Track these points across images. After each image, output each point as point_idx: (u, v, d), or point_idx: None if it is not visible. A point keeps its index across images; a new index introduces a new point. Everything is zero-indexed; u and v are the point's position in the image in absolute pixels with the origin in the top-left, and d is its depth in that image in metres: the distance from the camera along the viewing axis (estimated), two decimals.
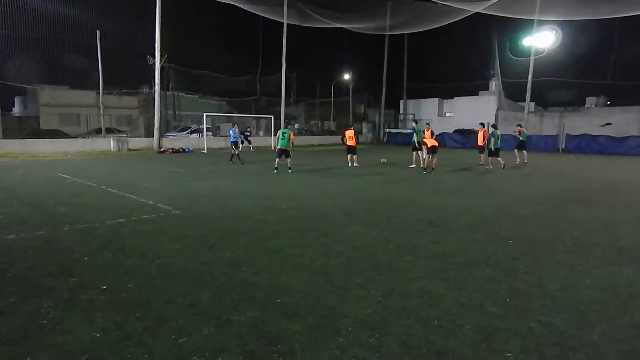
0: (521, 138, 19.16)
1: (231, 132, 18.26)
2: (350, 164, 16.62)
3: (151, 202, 8.61)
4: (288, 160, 13.84)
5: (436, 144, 14.89)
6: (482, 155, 17.46)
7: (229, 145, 28.40)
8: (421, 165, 15.35)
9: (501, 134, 17.39)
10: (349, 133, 16.93)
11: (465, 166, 17.24)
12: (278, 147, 13.84)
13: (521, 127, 19.69)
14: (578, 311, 3.85)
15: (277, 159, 13.87)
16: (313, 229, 6.51)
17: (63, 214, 7.37)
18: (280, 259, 5.06)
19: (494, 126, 17.70)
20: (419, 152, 15.84)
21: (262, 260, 5.00)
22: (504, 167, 16.17)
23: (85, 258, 5.03)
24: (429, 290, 4.23)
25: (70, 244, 5.59)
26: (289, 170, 13.74)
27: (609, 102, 41.84)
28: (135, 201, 8.70)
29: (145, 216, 7.28)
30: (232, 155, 17.80)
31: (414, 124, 17.70)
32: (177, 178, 12.74)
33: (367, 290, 4.19)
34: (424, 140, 15.02)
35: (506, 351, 3.18)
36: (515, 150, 19.24)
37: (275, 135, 13.81)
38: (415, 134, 16.44)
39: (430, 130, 17.75)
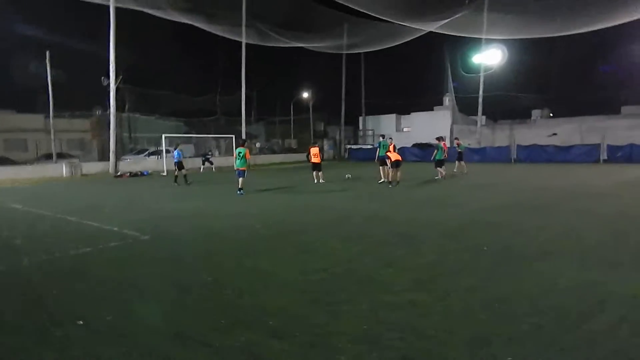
0: (459, 150, 20.34)
1: (175, 153, 18.01)
2: (316, 181, 16.67)
3: (116, 228, 8.21)
4: (240, 180, 13.18)
5: (400, 158, 15.24)
6: (440, 169, 17.99)
7: (187, 166, 27.92)
8: (384, 180, 15.63)
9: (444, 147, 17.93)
10: (314, 150, 17.03)
11: (428, 179, 17.71)
12: (237, 168, 13.31)
13: (458, 140, 20.96)
14: (561, 313, 4.00)
15: (240, 179, 13.31)
16: (290, 246, 6.43)
17: (19, 246, 6.87)
18: (262, 278, 4.94)
19: (382, 136, 18.38)
20: (386, 166, 16.15)
21: (243, 281, 4.86)
22: (444, 178, 17.23)
23: (54, 291, 4.69)
24: (417, 301, 4.25)
25: (33, 278, 5.21)
26: (238, 192, 13.02)
27: (551, 114, 44.72)
28: (98, 228, 8.27)
29: (112, 244, 6.92)
30: (176, 176, 17.52)
31: (380, 138, 17.91)
32: (139, 201, 12.27)
33: (356, 305, 4.16)
34: (388, 154, 15.33)
35: (507, 356, 3.24)
36: (456, 162, 20.52)
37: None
38: (379, 148, 16.80)
39: (393, 145, 18.20)
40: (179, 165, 17.42)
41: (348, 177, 18.43)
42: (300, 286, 4.69)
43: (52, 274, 5.30)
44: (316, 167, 16.77)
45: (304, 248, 6.32)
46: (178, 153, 17.73)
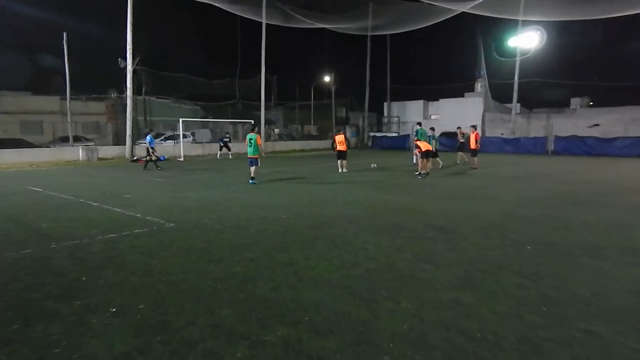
0: (462, 140, 20.26)
1: (148, 137, 18.84)
2: (340, 170, 16.68)
3: (139, 215, 8.39)
4: (252, 168, 13.02)
5: (430, 147, 15.08)
6: (475, 158, 17.82)
7: (204, 151, 28.17)
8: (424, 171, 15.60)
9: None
10: (340, 138, 17.00)
11: (458, 170, 17.51)
12: (249, 156, 13.12)
13: (461, 129, 20.98)
14: (616, 317, 3.92)
15: (252, 168, 13.18)
16: (321, 239, 6.46)
17: (47, 230, 7.10)
18: (296, 272, 4.98)
19: (432, 129, 18.82)
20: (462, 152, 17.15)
21: (276, 274, 4.91)
22: (441, 167, 17.71)
23: (83, 278, 4.83)
24: (461, 300, 4.23)
25: (64, 262, 5.37)
26: (250, 181, 12.97)
27: (591, 103, 43.43)
28: (122, 214, 8.47)
29: (137, 230, 7.07)
30: (147, 161, 18.43)
31: (417, 126, 18.29)
32: (159, 188, 12.49)
33: (397, 303, 4.16)
34: (418, 143, 15.19)
35: None
36: (459, 153, 20.54)
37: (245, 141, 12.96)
38: (431, 140, 17.27)
39: (476, 134, 18.37)
40: (149, 150, 18.41)
41: (374, 167, 18.35)
42: (337, 281, 4.71)
43: (82, 260, 5.46)
44: (341, 155, 16.75)
45: (337, 242, 6.34)
46: (150, 138, 18.71)
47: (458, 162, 19.90)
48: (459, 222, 7.70)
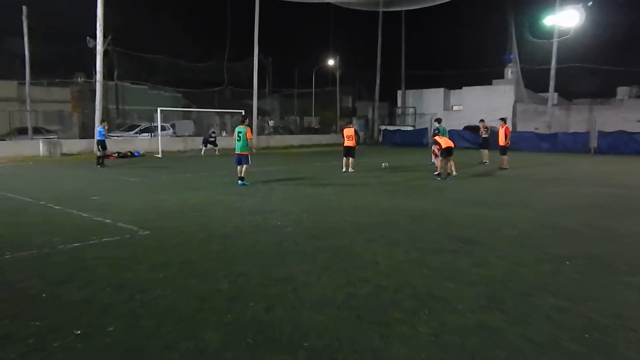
0: (485, 135, 20.40)
1: (99, 130, 19.12)
2: (345, 169, 16.70)
3: (109, 220, 8.39)
4: (243, 167, 13.13)
5: (451, 144, 15.07)
6: (504, 157, 17.82)
7: (186, 146, 28.18)
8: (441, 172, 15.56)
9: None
10: (349, 131, 17.04)
11: (484, 170, 17.50)
12: (235, 152, 13.15)
13: (484, 122, 20.78)
14: None
15: (238, 167, 13.21)
16: (324, 251, 6.45)
17: (1, 237, 7.10)
18: (294, 290, 4.97)
19: (438, 120, 18.58)
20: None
21: (270, 292, 4.90)
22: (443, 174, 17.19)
23: (43, 294, 4.82)
24: (488, 324, 4.21)
25: (21, 276, 5.36)
26: (239, 182, 13.07)
27: None
28: (89, 220, 8.48)
29: (107, 239, 7.07)
30: (99, 157, 18.66)
31: (436, 123, 18.16)
32: (132, 189, 12.51)
33: (413, 327, 4.14)
34: (437, 139, 15.17)
35: None
36: (482, 150, 20.58)
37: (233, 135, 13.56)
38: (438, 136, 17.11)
39: (506, 127, 18.40)
40: (102, 145, 18.69)
41: (385, 167, 18.35)
42: (343, 301, 4.69)
43: (41, 273, 5.45)
44: (349, 152, 16.83)
45: (342, 254, 6.33)
46: (100, 131, 18.93)
47: (485, 161, 19.86)
48: (485, 232, 7.69)
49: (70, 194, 11.43)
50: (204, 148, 25.81)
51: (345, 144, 16.83)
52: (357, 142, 17.23)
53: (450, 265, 5.90)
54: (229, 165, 15.18)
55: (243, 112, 28.45)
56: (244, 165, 13.18)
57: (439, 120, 18.66)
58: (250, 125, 13.73)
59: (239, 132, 13.12)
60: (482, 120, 21.15)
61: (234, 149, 13.30)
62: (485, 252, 6.47)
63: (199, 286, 5.07)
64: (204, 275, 5.43)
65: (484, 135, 20.48)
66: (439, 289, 5.06)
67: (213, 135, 26.64)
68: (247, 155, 13.18)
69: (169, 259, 6.04)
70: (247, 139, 13.07)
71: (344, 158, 16.84)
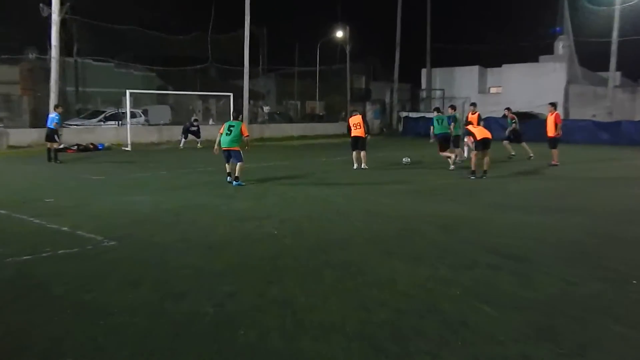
0: (514, 127, 20.38)
1: (53, 117, 18.87)
2: (356, 165, 16.73)
3: (66, 228, 8.42)
4: (237, 165, 13.36)
5: (489, 135, 15.04)
6: (554, 151, 17.78)
7: (161, 137, 28.23)
8: (455, 160, 15.54)
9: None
10: (354, 119, 17.18)
11: (528, 167, 17.47)
12: (223, 147, 13.36)
13: (510, 110, 21.07)
14: None
15: (237, 165, 13.34)
16: (331, 267, 6.45)
17: None
18: (294, 314, 4.96)
19: (453, 107, 19.35)
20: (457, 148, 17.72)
21: (265, 317, 4.89)
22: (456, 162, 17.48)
23: None
24: (534, 357, 4.18)
25: None
26: (234, 182, 13.27)
27: None
28: (42, 227, 8.51)
29: (64, 250, 7.09)
30: (50, 150, 18.46)
31: (435, 112, 18.64)
32: (96, 190, 12.58)
33: None
34: (471, 129, 15.15)
35: None
36: (505, 142, 20.55)
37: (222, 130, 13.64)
38: (451, 124, 17.89)
39: (477, 114, 18.22)
40: (50, 135, 18.50)
41: (407, 162, 18.34)
42: (354, 328, 4.67)
43: None
44: (357, 144, 16.91)
45: (353, 271, 6.32)
46: (53, 119, 18.69)
47: (531, 156, 19.67)
48: (530, 243, 7.66)
49: (20, 196, 11.46)
50: (183, 139, 25.87)
51: (352, 134, 16.91)
52: (368, 132, 17.34)
53: (486, 284, 5.87)
54: (214, 160, 15.20)
55: (231, 95, 28.62)
56: (238, 163, 13.23)
57: (474, 104, 18.66)
58: (239, 116, 13.92)
59: (231, 127, 13.24)
60: (507, 109, 21.29)
61: (217, 144, 13.39)
62: (529, 268, 6.45)
63: (177, 310, 5.06)
64: (182, 296, 5.42)
65: (512, 127, 20.25)
66: (473, 313, 5.03)
67: (195, 124, 26.67)
68: (239, 151, 13.28)
69: (140, 276, 6.04)
70: (241, 134, 13.20)
71: (354, 152, 16.91)
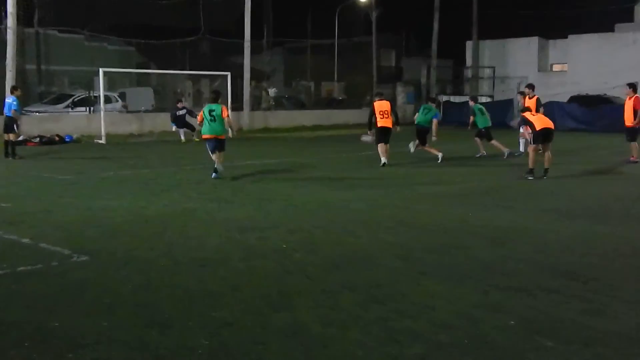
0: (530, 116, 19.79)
1: (10, 102, 18.90)
2: (383, 161, 16.85)
3: (27, 240, 8.49)
4: (216, 155, 14.57)
5: (551, 124, 14.96)
6: (634, 144, 17.65)
7: (142, 127, 28.30)
8: (505, 153, 15.45)
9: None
10: (383, 105, 17.29)
11: (601, 165, 17.36)
12: (208, 136, 14.63)
13: (529, 90, 19.93)
14: None
15: (213, 155, 14.52)
16: (351, 289, 6.44)
17: None
18: (306, 349, 4.96)
19: (474, 98, 20.65)
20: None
21: (270, 351, 4.90)
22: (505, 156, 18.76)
23: None
24: None
25: None
26: (214, 174, 14.36)
27: None
28: None
29: (23, 267, 7.13)
30: (9, 143, 18.59)
31: (471, 102, 20.40)
32: (62, 192, 12.67)
33: None
34: (528, 116, 15.07)
35: None
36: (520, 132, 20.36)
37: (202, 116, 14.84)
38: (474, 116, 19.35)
39: (536, 98, 18.11)
40: (9, 125, 18.53)
41: (414, 149, 18.33)
42: None
43: None
44: (385, 135, 17.04)
45: (378, 294, 6.31)
46: (10, 105, 18.76)
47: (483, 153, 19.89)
48: (602, 261, 7.63)
49: None
50: (180, 130, 25.20)
51: (380, 124, 16.96)
52: (398, 122, 17.62)
53: (547, 312, 5.83)
54: (205, 155, 15.32)
55: (228, 74, 28.67)
56: (217, 153, 14.43)
57: (531, 86, 18.61)
58: (219, 97, 15.34)
59: (212, 111, 14.33)
60: (521, 92, 20.69)
61: (201, 132, 14.70)
62: (601, 292, 6.39)
63: (163, 341, 5.07)
64: (169, 324, 5.44)
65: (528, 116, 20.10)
66: (532, 349, 5.00)
67: (182, 107, 26.09)
68: (224, 140, 14.77)
69: (117, 299, 6.06)
70: (222, 118, 14.37)
71: (379, 145, 16.98)
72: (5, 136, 18.83)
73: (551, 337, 5.25)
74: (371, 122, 17.14)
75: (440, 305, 5.98)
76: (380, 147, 16.95)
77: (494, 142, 19.49)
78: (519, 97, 19.32)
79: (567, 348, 5.05)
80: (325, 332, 5.32)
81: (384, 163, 16.73)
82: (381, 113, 16.99)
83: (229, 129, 15.50)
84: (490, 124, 19.88)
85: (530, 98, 18.41)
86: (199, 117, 14.98)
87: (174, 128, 25.84)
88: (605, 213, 10.72)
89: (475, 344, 5.11)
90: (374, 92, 18.34)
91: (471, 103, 21.20)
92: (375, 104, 17.61)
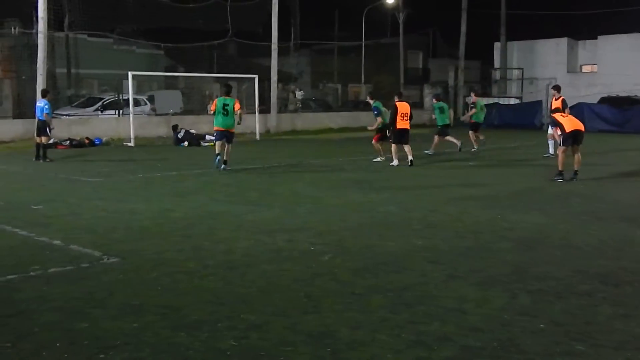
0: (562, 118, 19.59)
1: (42, 105, 19.04)
2: (410, 157, 17.17)
3: (57, 241, 8.57)
4: (229, 147, 16.17)
5: (581, 126, 14.83)
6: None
7: (170, 130, 28.49)
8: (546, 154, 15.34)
9: None
10: (405, 107, 17.52)
11: (632, 166, 17.24)
12: (220, 128, 16.11)
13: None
14: None
15: (218, 143, 16.16)
16: (381, 292, 6.43)
17: None
18: (334, 353, 4.94)
19: (437, 96, 21.97)
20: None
21: (298, 354, 4.89)
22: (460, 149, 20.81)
23: None
24: None
25: None
26: (222, 166, 16.01)
27: None
28: (28, 240, 8.70)
29: (54, 269, 7.21)
30: (39, 145, 18.78)
31: (434, 100, 21.74)
32: (91, 195, 12.80)
33: None
34: (559, 118, 14.95)
35: None
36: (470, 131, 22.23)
37: (214, 108, 16.33)
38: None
39: (561, 99, 18.06)
40: (42, 128, 18.73)
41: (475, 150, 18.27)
42: None
43: None
44: (403, 136, 17.33)
45: (408, 298, 6.31)
46: (42, 108, 18.93)
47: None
48: (635, 265, 7.56)
49: (1, 202, 11.72)
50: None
51: (400, 125, 17.22)
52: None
53: (580, 316, 5.79)
54: (236, 156, 15.52)
55: (256, 77, 28.76)
56: (228, 144, 16.11)
57: (557, 88, 18.58)
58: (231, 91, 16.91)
59: (226, 105, 15.72)
60: (555, 87, 20.28)
61: (214, 124, 16.21)
62: (634, 296, 6.37)
63: (191, 343, 5.09)
64: (197, 326, 5.46)
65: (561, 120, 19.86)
66: (563, 353, 4.95)
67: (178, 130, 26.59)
68: (233, 133, 16.41)
69: (147, 301, 6.10)
70: (234, 111, 15.91)
71: (396, 146, 17.32)
72: (37, 139, 18.98)
73: (582, 341, 5.20)
74: (392, 122, 17.38)
75: (469, 309, 5.97)
76: (396, 147, 17.29)
77: (448, 137, 21.09)
78: (553, 91, 19.11)
79: (598, 352, 5.00)
80: (354, 335, 5.31)
81: (406, 162, 17.07)
82: (402, 115, 17.30)
83: (239, 119, 16.47)
84: (448, 122, 21.99)
85: (556, 100, 18.29)
86: (212, 107, 16.19)
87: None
88: (637, 216, 10.60)
89: (505, 347, 5.07)
90: (397, 93, 18.60)
91: (433, 101, 22.87)
92: (397, 104, 17.70)
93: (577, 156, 14.78)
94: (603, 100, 34.63)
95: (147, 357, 4.84)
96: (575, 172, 14.61)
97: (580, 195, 12.73)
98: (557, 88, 18.78)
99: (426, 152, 19.95)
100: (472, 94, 24.52)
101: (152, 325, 5.51)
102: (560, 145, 14.98)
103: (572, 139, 14.51)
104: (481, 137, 22.45)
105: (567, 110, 17.57)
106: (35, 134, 19.10)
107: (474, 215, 10.65)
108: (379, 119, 18.39)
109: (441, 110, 21.54)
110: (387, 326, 5.51)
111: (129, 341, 5.14)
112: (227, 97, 16.25)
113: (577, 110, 27.31)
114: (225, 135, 16.10)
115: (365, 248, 8.32)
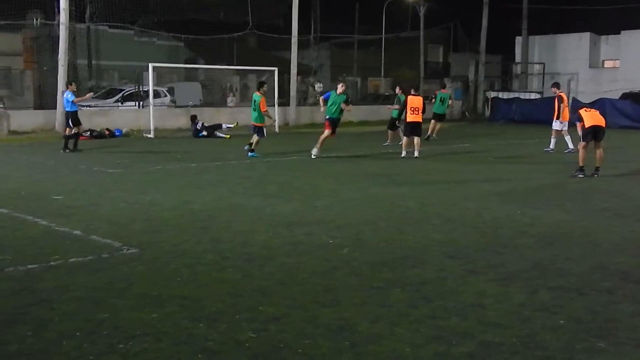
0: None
1: (69, 97, 18.99)
2: (405, 154, 17.78)
3: (78, 231, 8.65)
4: (253, 137, 17.68)
5: (602, 122, 14.71)
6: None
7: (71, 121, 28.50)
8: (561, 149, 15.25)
9: None
10: (416, 101, 17.81)
11: None
12: (252, 123, 17.78)
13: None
14: None
15: (255, 137, 17.58)
16: (399, 286, 6.44)
17: None
18: (353, 345, 4.95)
19: (402, 88, 21.94)
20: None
21: (318, 347, 4.90)
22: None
23: None
24: None
25: None
26: (249, 154, 17.53)
27: None
28: (49, 230, 8.78)
29: (75, 259, 7.28)
30: (67, 137, 18.97)
31: (397, 92, 22.40)
32: (111, 186, 12.88)
33: None
34: (582, 113, 14.82)
35: None
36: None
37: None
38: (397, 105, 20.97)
39: (560, 96, 18.75)
40: (73, 118, 18.83)
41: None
42: None
43: None
44: (414, 130, 17.70)
45: (427, 292, 6.31)
46: (68, 100, 18.86)
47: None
48: None
49: (22, 192, 11.81)
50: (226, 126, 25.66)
51: (410, 119, 17.69)
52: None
53: (599, 313, 5.76)
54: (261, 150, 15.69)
55: (276, 70, 28.74)
56: (255, 135, 17.55)
57: (402, 88, 21.34)
58: (265, 93, 17.75)
59: (254, 101, 17.40)
60: (554, 85, 20.47)
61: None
62: None
63: (210, 334, 5.13)
64: (216, 318, 5.49)
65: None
66: (583, 350, 4.93)
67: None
68: (262, 128, 17.57)
69: (166, 292, 6.14)
70: (260, 107, 17.23)
71: (408, 137, 17.72)
72: (67, 130, 19.11)
73: (602, 338, 5.18)
74: (402, 113, 18.69)
75: (489, 304, 5.96)
76: (407, 140, 17.86)
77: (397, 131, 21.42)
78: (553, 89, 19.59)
79: (618, 349, 4.98)
80: (373, 328, 5.32)
81: (405, 155, 17.76)
82: (412, 109, 17.65)
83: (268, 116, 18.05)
84: (444, 112, 24.24)
85: (560, 94, 18.89)
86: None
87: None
88: None
89: (525, 343, 5.06)
90: (413, 87, 18.87)
91: (398, 91, 23.24)
92: (408, 98, 18.15)
93: (599, 152, 14.66)
94: (625, 96, 34.31)
95: (166, 348, 4.87)
96: (597, 169, 14.50)
97: (602, 191, 12.67)
98: (556, 85, 19.24)
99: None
100: (397, 87, 24.22)
101: (171, 316, 5.55)
102: (580, 140, 14.88)
103: (591, 135, 14.40)
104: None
105: (562, 106, 18.77)
106: (72, 125, 19.01)
107: (493, 210, 10.62)
108: (397, 107, 20.65)
109: (442, 100, 23.23)
110: (406, 320, 5.52)
111: (148, 331, 5.18)
112: (257, 93, 17.77)
113: (599, 106, 27.00)
114: (252, 128, 17.90)
115: (384, 242, 8.33)
